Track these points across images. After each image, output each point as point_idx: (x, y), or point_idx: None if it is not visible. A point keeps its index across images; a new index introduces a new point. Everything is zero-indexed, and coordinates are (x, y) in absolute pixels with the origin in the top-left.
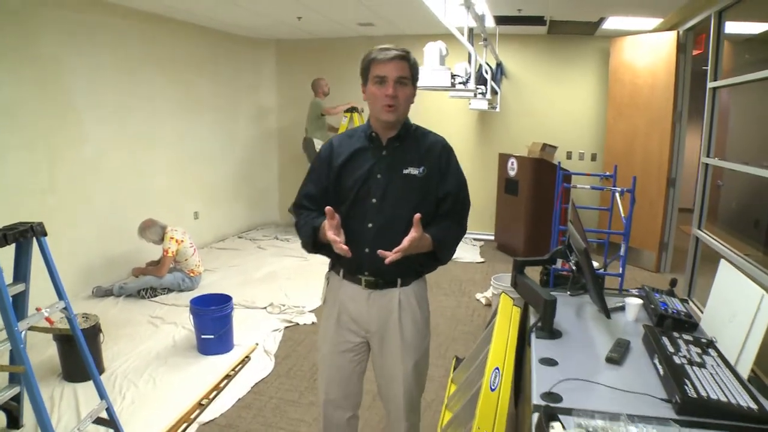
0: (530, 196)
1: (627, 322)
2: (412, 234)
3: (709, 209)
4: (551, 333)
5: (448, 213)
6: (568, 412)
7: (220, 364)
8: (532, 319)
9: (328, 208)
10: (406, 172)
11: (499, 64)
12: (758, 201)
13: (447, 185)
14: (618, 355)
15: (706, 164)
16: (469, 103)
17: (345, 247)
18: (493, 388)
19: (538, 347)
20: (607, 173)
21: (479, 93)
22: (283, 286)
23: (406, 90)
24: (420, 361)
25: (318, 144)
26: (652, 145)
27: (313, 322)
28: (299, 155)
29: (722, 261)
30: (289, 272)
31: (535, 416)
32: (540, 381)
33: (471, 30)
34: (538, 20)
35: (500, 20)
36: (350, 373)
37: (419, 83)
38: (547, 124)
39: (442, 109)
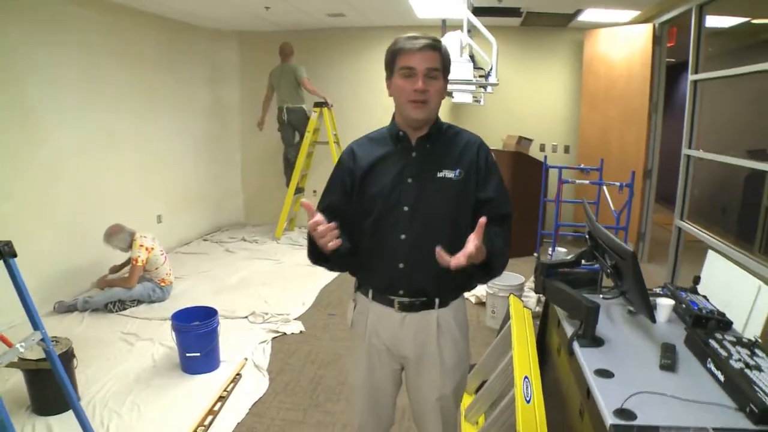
0: (509, 189)
1: (659, 324)
2: (477, 240)
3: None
4: (594, 341)
5: (491, 220)
6: (655, 430)
7: (210, 384)
8: (567, 327)
9: (304, 201)
10: (440, 175)
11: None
12: (725, 189)
13: (488, 190)
14: (671, 361)
15: (688, 156)
16: (452, 97)
17: (331, 241)
18: (528, 399)
19: (586, 357)
20: (583, 165)
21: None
22: (261, 293)
23: (437, 84)
24: (459, 384)
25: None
26: (628, 137)
27: (301, 331)
28: (264, 152)
29: (710, 252)
30: (263, 276)
31: None
32: (605, 396)
33: (444, 21)
34: (514, 12)
35: (476, 11)
36: (385, 403)
37: None
38: (519, 117)
39: None
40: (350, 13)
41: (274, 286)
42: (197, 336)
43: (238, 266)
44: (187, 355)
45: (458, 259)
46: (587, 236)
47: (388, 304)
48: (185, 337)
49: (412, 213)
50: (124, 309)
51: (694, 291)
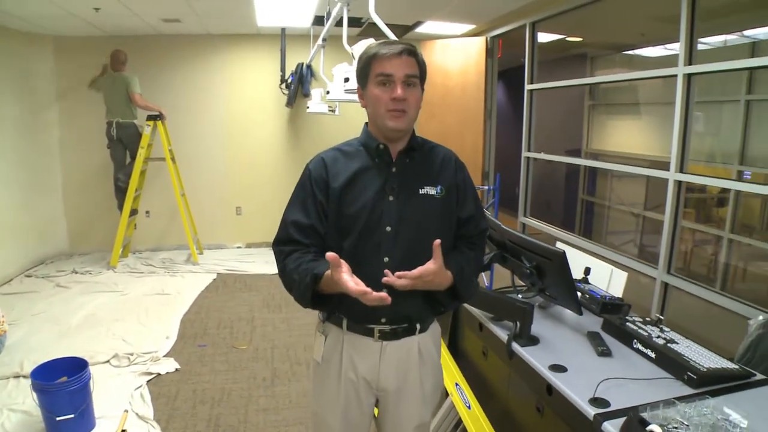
0: None
1: (571, 315)
2: (430, 265)
3: (509, 197)
4: (531, 339)
5: (468, 239)
6: (634, 410)
7: None
8: (495, 329)
9: (330, 254)
10: (423, 192)
11: (309, 66)
12: (547, 186)
13: (468, 207)
14: (605, 348)
15: (528, 158)
16: (308, 107)
17: (383, 295)
18: (468, 405)
19: (533, 356)
20: None
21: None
22: (115, 330)
23: (415, 92)
24: (435, 409)
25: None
26: (465, 143)
27: (176, 369)
28: (89, 173)
29: (558, 244)
30: (111, 312)
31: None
32: (573, 389)
33: (283, 30)
34: (355, 22)
35: (317, 20)
36: None
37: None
38: (353, 125)
39: (248, 113)
40: (187, 19)
41: (128, 322)
42: (69, 394)
43: (78, 303)
44: (58, 419)
45: (400, 282)
46: (488, 240)
47: (365, 334)
48: (53, 397)
49: (395, 233)
50: None
51: (586, 281)
